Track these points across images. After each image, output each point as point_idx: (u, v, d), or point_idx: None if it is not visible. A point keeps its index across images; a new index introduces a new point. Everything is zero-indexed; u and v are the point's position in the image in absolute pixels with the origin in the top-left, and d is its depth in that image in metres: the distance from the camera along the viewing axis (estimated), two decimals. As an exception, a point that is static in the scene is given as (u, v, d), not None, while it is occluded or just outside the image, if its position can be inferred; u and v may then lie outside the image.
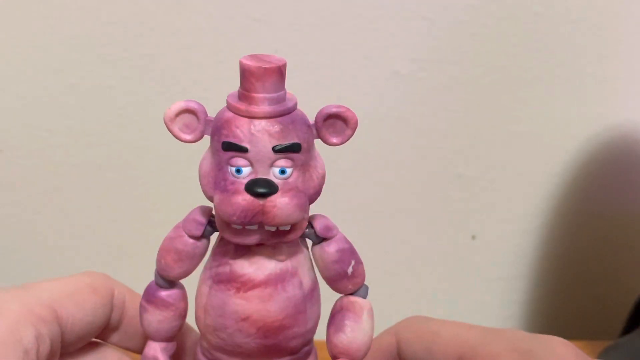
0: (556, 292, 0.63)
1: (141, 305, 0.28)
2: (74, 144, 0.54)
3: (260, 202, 0.24)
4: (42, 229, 0.57)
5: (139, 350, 0.31)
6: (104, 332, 0.31)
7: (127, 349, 0.32)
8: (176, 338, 0.29)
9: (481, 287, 0.62)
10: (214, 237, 0.27)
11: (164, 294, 0.27)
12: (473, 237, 0.60)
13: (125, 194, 0.56)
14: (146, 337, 0.28)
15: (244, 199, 0.24)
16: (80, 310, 0.28)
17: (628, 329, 0.51)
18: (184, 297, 0.28)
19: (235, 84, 0.55)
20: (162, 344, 0.28)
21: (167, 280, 0.27)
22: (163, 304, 0.27)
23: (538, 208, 0.60)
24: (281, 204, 0.24)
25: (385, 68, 0.54)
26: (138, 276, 0.53)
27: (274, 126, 0.24)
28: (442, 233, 0.60)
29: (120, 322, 0.31)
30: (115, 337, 0.31)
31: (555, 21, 0.55)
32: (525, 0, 0.54)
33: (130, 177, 0.56)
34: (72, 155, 0.55)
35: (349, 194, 0.57)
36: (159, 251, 0.27)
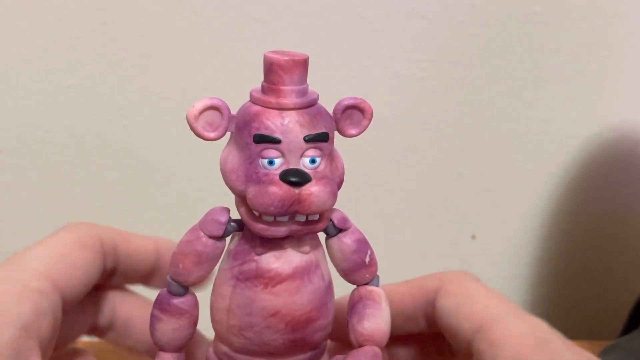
0: (556, 292, 0.63)
1: (153, 315, 0.27)
2: (74, 144, 0.54)
3: (296, 191, 0.24)
4: (42, 229, 0.57)
5: (139, 281, 0.32)
6: (101, 279, 0.30)
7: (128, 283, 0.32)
8: (186, 348, 0.28)
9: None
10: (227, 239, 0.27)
11: (178, 301, 0.27)
12: (473, 237, 0.60)
13: (126, 194, 0.56)
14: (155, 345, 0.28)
15: (280, 188, 0.24)
16: (75, 271, 0.28)
17: (628, 329, 0.51)
18: (197, 303, 0.27)
19: (235, 83, 0.55)
20: (174, 355, 0.27)
21: (182, 286, 0.27)
22: (178, 312, 0.27)
23: (538, 208, 0.60)
24: (316, 192, 0.25)
25: (385, 68, 0.54)
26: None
27: (304, 117, 0.25)
28: (442, 233, 0.60)
29: (116, 266, 0.30)
30: (114, 280, 0.31)
31: (555, 21, 0.55)
32: (525, 0, 0.54)
33: (130, 177, 0.56)
34: (72, 155, 0.55)
35: (348, 193, 0.57)
36: (175, 256, 0.26)
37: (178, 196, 0.56)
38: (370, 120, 0.26)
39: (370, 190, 0.58)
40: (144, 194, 0.56)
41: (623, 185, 0.61)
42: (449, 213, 0.60)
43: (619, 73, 0.57)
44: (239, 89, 0.49)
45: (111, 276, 0.31)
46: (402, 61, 0.54)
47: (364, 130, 0.27)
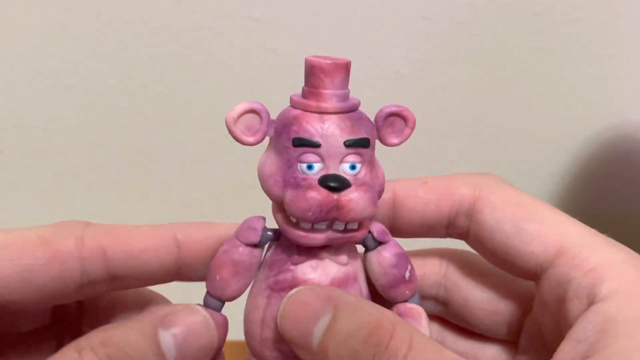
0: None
1: None
2: (74, 144, 0.54)
3: (335, 196, 0.24)
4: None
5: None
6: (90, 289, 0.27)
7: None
8: None
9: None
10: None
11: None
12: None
13: (126, 194, 0.56)
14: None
15: (319, 193, 0.24)
16: (7, 268, 0.24)
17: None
18: (226, 325, 0.26)
19: (235, 83, 0.54)
20: None
21: (219, 300, 0.26)
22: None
23: (538, 208, 0.60)
24: (356, 198, 0.24)
25: (385, 68, 0.54)
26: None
27: (344, 121, 0.24)
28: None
29: (115, 274, 0.27)
30: (122, 285, 0.27)
31: (555, 21, 0.55)
32: (525, 0, 0.54)
33: (130, 177, 0.56)
34: (72, 155, 0.55)
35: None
36: (211, 269, 0.26)
37: (179, 197, 0.56)
38: (412, 129, 0.26)
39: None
40: (144, 194, 0.56)
41: (623, 185, 0.61)
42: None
43: (619, 73, 0.57)
44: (238, 88, 0.49)
45: (114, 282, 0.27)
46: (402, 61, 0.54)
47: (406, 140, 0.26)
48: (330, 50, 0.53)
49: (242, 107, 0.25)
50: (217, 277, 0.26)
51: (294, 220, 0.24)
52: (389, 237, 0.27)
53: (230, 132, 0.25)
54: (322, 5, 0.52)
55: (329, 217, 0.24)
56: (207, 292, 0.26)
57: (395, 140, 0.26)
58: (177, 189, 0.56)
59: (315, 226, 0.24)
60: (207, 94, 0.53)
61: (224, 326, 0.26)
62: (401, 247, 0.27)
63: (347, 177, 0.24)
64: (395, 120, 0.26)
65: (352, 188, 0.24)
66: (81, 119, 0.54)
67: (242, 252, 0.25)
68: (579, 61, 0.56)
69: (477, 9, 0.54)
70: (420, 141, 0.57)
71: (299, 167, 0.24)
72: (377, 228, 0.26)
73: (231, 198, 0.55)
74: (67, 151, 0.55)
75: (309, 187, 0.24)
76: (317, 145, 0.24)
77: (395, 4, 0.53)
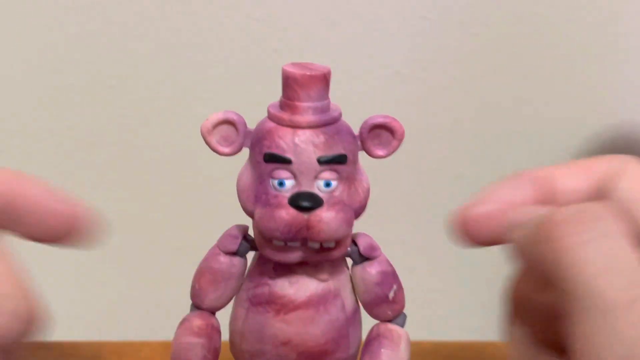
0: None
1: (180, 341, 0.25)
2: (74, 144, 0.54)
3: (305, 216, 0.23)
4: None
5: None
6: None
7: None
8: None
9: (481, 287, 0.62)
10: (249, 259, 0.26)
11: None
12: (473, 237, 0.60)
13: (126, 194, 0.56)
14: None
15: (287, 213, 0.23)
16: None
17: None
18: (215, 328, 0.26)
19: (235, 84, 0.55)
20: None
21: (199, 309, 0.25)
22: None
23: (538, 208, 0.60)
24: (327, 219, 0.23)
25: (385, 68, 0.54)
26: (132, 277, 0.53)
27: (318, 136, 0.23)
28: (442, 233, 0.60)
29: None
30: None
31: (555, 21, 0.55)
32: (525, 0, 0.54)
33: (131, 177, 0.56)
34: (72, 156, 0.55)
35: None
36: (193, 277, 0.25)
37: (179, 196, 0.56)
38: (400, 141, 0.25)
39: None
40: (144, 194, 0.56)
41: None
42: (449, 213, 0.59)
43: (619, 73, 0.57)
44: (239, 88, 0.49)
45: None
46: (402, 61, 0.54)
47: (393, 152, 0.25)
48: (330, 50, 0.53)
49: (216, 117, 0.24)
50: (197, 286, 0.25)
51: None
52: (377, 252, 0.26)
53: (206, 142, 0.24)
54: (323, 5, 0.52)
55: (299, 237, 0.23)
56: (191, 303, 0.26)
57: (381, 153, 0.25)
58: (178, 189, 0.56)
59: (289, 244, 0.23)
60: (208, 93, 0.53)
61: (213, 330, 0.25)
62: (390, 265, 0.26)
63: (322, 195, 0.23)
64: (382, 132, 0.25)
65: (324, 208, 0.23)
66: (81, 119, 0.54)
67: (222, 261, 0.25)
68: (579, 61, 0.56)
69: (477, 9, 0.54)
70: (420, 141, 0.57)
71: (270, 184, 0.23)
72: (364, 242, 0.25)
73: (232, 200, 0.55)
74: (67, 151, 0.55)
75: (278, 205, 0.23)
76: (288, 162, 0.23)
77: (395, 4, 0.53)
